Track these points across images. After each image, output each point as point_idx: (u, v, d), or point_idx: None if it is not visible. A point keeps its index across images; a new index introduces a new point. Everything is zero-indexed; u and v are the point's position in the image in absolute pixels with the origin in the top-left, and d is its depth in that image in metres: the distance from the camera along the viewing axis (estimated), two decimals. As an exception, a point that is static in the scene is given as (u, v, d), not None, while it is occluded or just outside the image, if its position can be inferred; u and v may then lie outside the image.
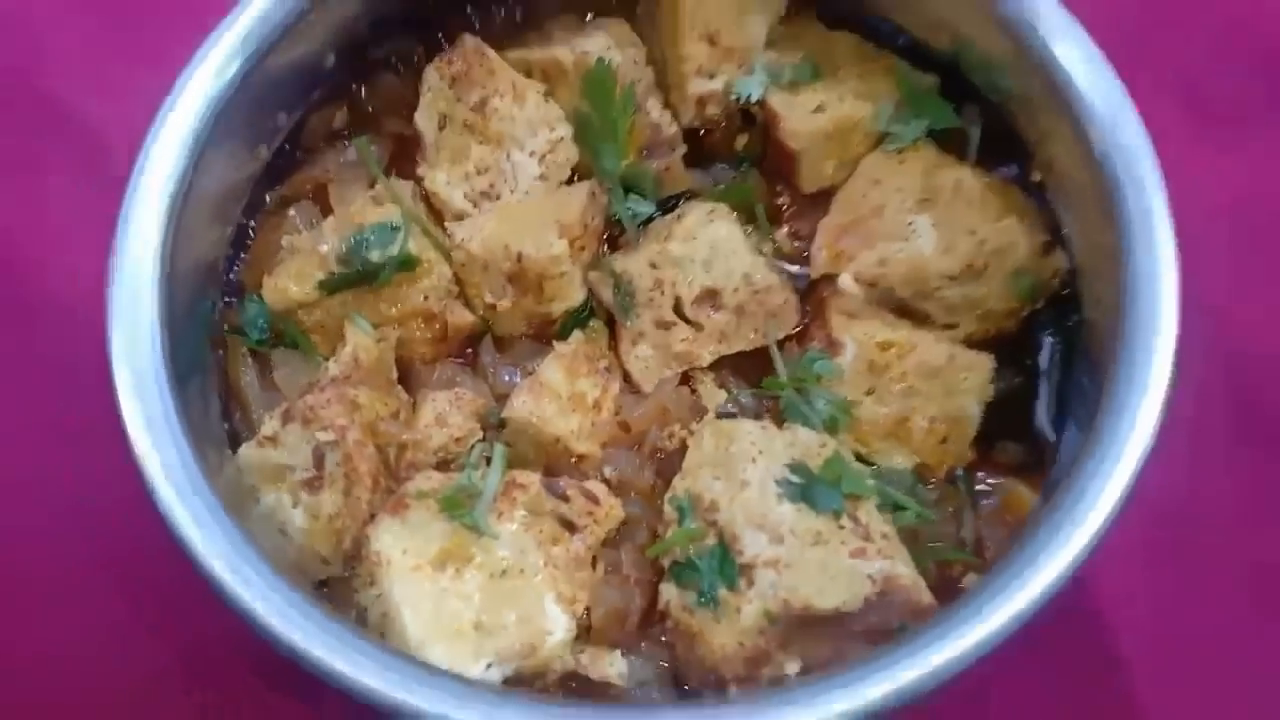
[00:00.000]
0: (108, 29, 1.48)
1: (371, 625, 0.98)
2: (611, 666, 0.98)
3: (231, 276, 1.18)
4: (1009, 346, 1.14)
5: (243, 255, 1.19)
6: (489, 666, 0.93)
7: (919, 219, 1.14)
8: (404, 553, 0.96)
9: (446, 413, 1.05)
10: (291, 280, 1.08)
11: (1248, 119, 1.47)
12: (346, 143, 1.24)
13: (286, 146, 1.22)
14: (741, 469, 0.99)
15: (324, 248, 1.07)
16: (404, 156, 1.25)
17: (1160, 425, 0.95)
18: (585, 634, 1.01)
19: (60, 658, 1.20)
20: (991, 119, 1.19)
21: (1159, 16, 1.53)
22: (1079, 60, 1.04)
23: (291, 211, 1.20)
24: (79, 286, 1.33)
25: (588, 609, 1.00)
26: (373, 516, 1.01)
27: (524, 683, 0.96)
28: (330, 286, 1.08)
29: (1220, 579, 1.23)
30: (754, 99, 1.19)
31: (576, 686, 1.00)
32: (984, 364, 1.10)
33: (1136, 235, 0.99)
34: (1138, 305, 0.98)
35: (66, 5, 1.50)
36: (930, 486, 1.09)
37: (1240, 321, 1.35)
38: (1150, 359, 0.96)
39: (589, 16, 1.29)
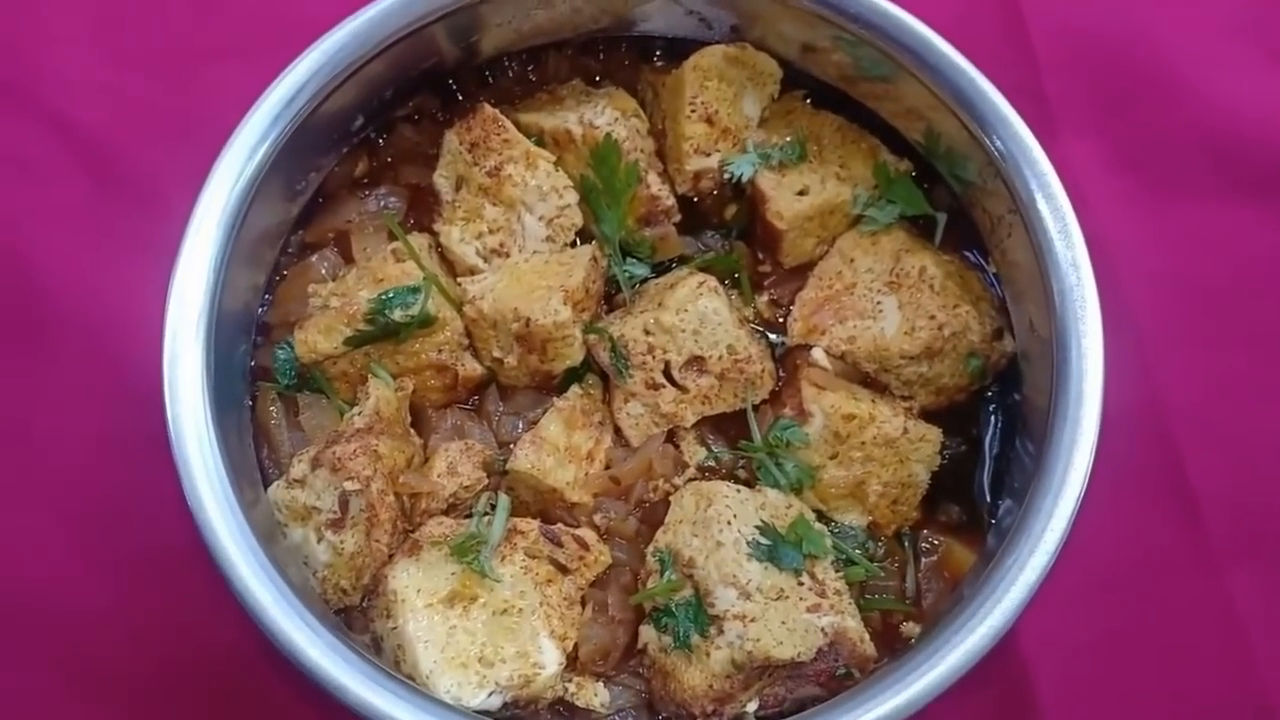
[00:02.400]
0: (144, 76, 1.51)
1: (386, 653, 1.11)
2: (595, 696, 1.12)
3: (258, 317, 1.28)
4: (957, 417, 1.29)
5: (267, 297, 1.29)
6: (491, 695, 1.07)
7: (886, 300, 1.27)
8: (418, 592, 1.10)
9: (457, 462, 1.17)
10: (321, 335, 1.18)
11: (1192, 193, 1.58)
12: (366, 192, 1.34)
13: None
14: (718, 529, 1.12)
15: (352, 308, 1.18)
16: (419, 205, 1.35)
17: (1083, 501, 1.09)
18: (572, 665, 1.15)
19: (92, 654, 1.30)
20: (961, 204, 1.32)
21: (1119, 94, 1.64)
22: (1034, 176, 1.17)
23: (315, 258, 1.30)
24: (104, 305, 1.42)
25: (576, 644, 1.14)
26: (390, 556, 1.14)
27: (519, 708, 1.10)
28: (356, 342, 1.19)
29: (1140, 631, 1.36)
30: (745, 178, 1.30)
31: (564, 711, 1.14)
32: (934, 436, 1.24)
33: (1071, 338, 1.13)
34: (1067, 395, 1.12)
35: (112, 46, 1.53)
36: (880, 543, 1.24)
37: (1174, 384, 1.47)
38: (1075, 445, 1.10)
39: (596, 79, 1.39)
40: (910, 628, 1.19)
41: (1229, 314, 1.52)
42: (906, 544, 1.24)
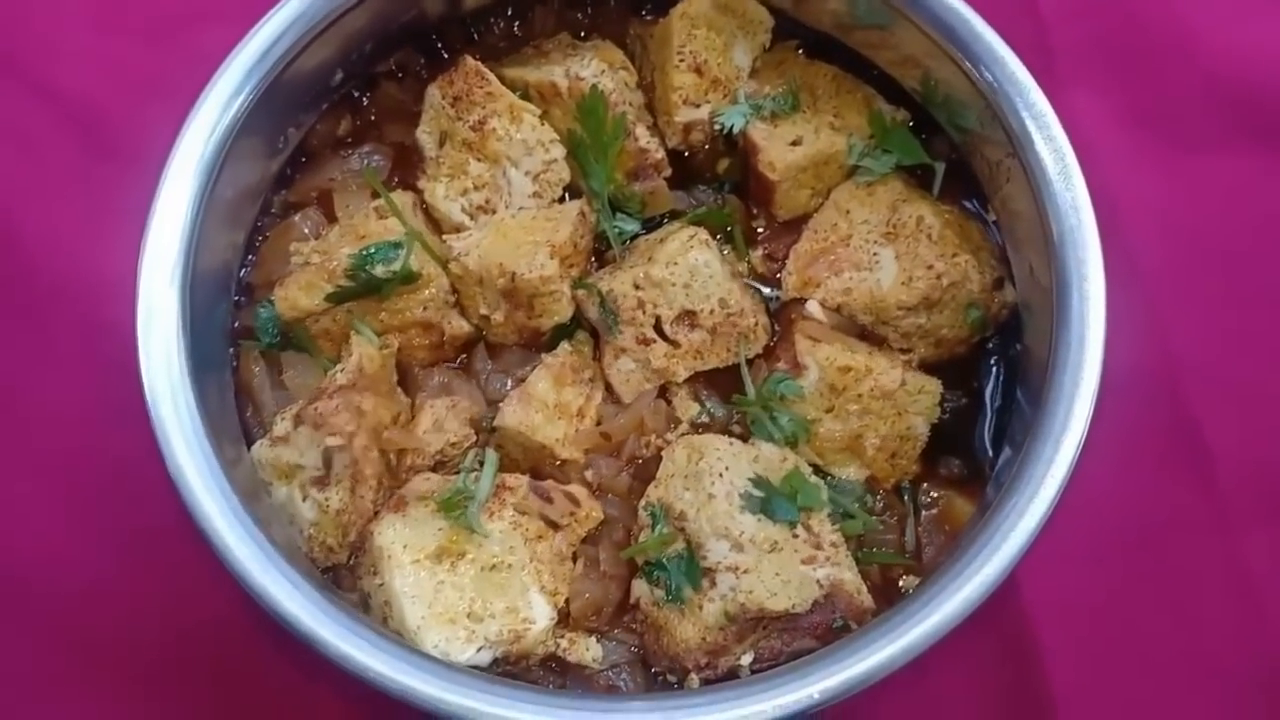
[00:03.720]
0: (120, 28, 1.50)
1: (374, 610, 1.09)
2: (588, 651, 1.10)
3: (240, 277, 1.26)
4: (958, 370, 1.26)
5: (250, 257, 1.27)
6: (480, 650, 1.05)
7: (883, 251, 1.24)
8: (405, 548, 1.07)
9: (444, 419, 1.15)
10: (301, 292, 1.16)
11: (1202, 148, 1.54)
12: (349, 151, 1.32)
13: (293, 153, 1.30)
14: (709, 482, 1.10)
15: (333, 263, 1.15)
16: (404, 164, 1.33)
17: (1082, 449, 1.06)
18: (565, 621, 1.13)
19: (87, 627, 1.29)
20: (960, 154, 1.28)
21: (1125, 47, 1.61)
22: (1032, 117, 1.14)
23: (297, 217, 1.28)
24: (93, 274, 1.41)
25: (567, 599, 1.12)
26: (376, 513, 1.12)
27: (510, 664, 1.09)
28: (337, 298, 1.17)
29: (1150, 592, 1.33)
30: (736, 129, 1.27)
31: (556, 667, 1.12)
32: (933, 388, 1.21)
33: (1072, 283, 1.10)
34: (1068, 342, 1.09)
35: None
36: (879, 496, 1.21)
37: (1188, 343, 1.44)
38: (1076, 391, 1.08)
39: (583, 34, 1.36)
40: (910, 581, 1.16)
41: (1243, 270, 1.49)
42: (906, 498, 1.21)
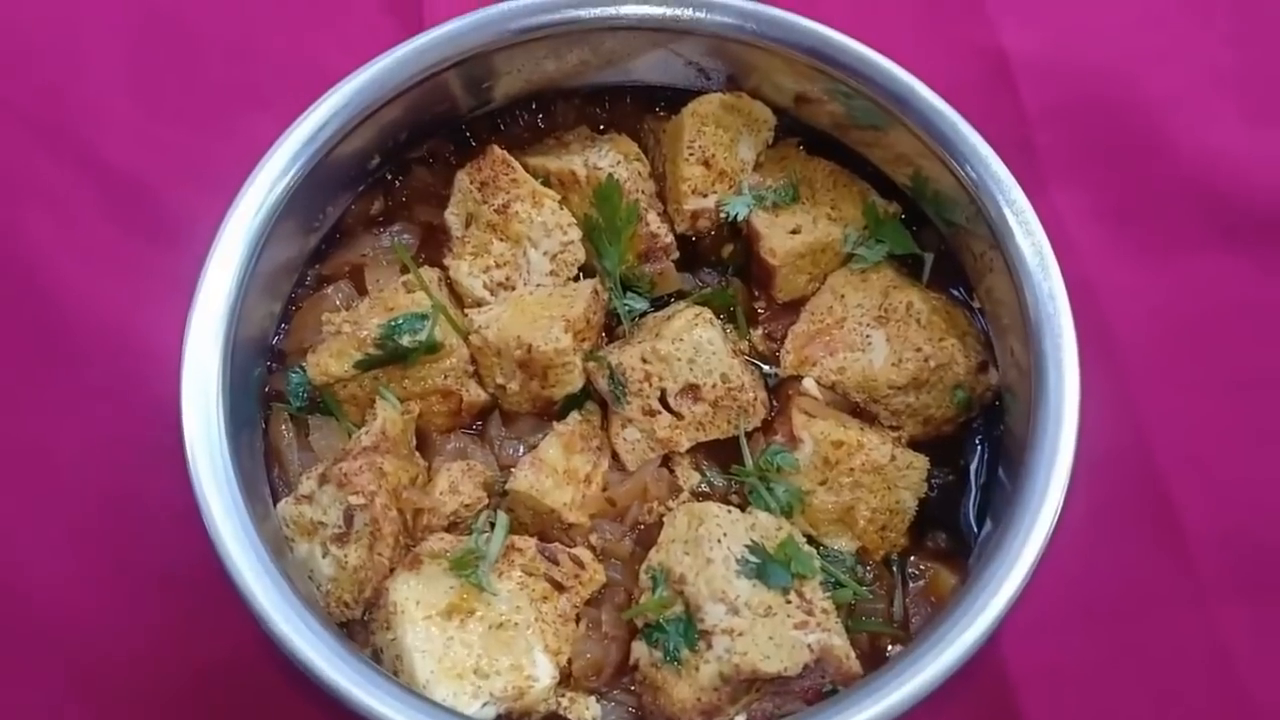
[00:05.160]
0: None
1: (386, 664, 1.14)
2: (587, 710, 1.15)
3: (273, 344, 1.35)
4: (946, 448, 1.32)
5: (283, 325, 1.36)
6: (485, 705, 1.10)
7: (875, 334, 1.32)
8: (418, 604, 1.13)
9: (459, 481, 1.22)
10: (333, 359, 1.25)
11: (1177, 243, 1.62)
12: (381, 229, 1.41)
13: (329, 230, 1.40)
14: (708, 548, 1.16)
15: (363, 333, 1.24)
16: (431, 243, 1.42)
17: (1059, 522, 1.12)
18: (566, 680, 1.17)
19: (106, 663, 1.34)
20: (948, 245, 1.38)
21: (1106, 147, 1.70)
22: (1013, 213, 1.23)
23: (329, 289, 1.36)
24: (127, 334, 1.49)
25: (570, 659, 1.17)
26: (392, 570, 1.18)
27: (513, 720, 1.14)
28: (366, 365, 1.25)
29: (1128, 663, 1.37)
30: (740, 218, 1.37)
31: (557, 725, 1.17)
32: (921, 464, 1.28)
33: (1048, 366, 1.17)
34: (1045, 421, 1.16)
35: (132, 72, 1.63)
36: (869, 567, 1.27)
37: (1157, 422, 1.50)
38: (1052, 467, 1.13)
39: (601, 128, 1.47)
40: (897, 650, 1.21)
41: (1215, 359, 1.56)
42: (895, 569, 1.27)
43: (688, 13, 1.31)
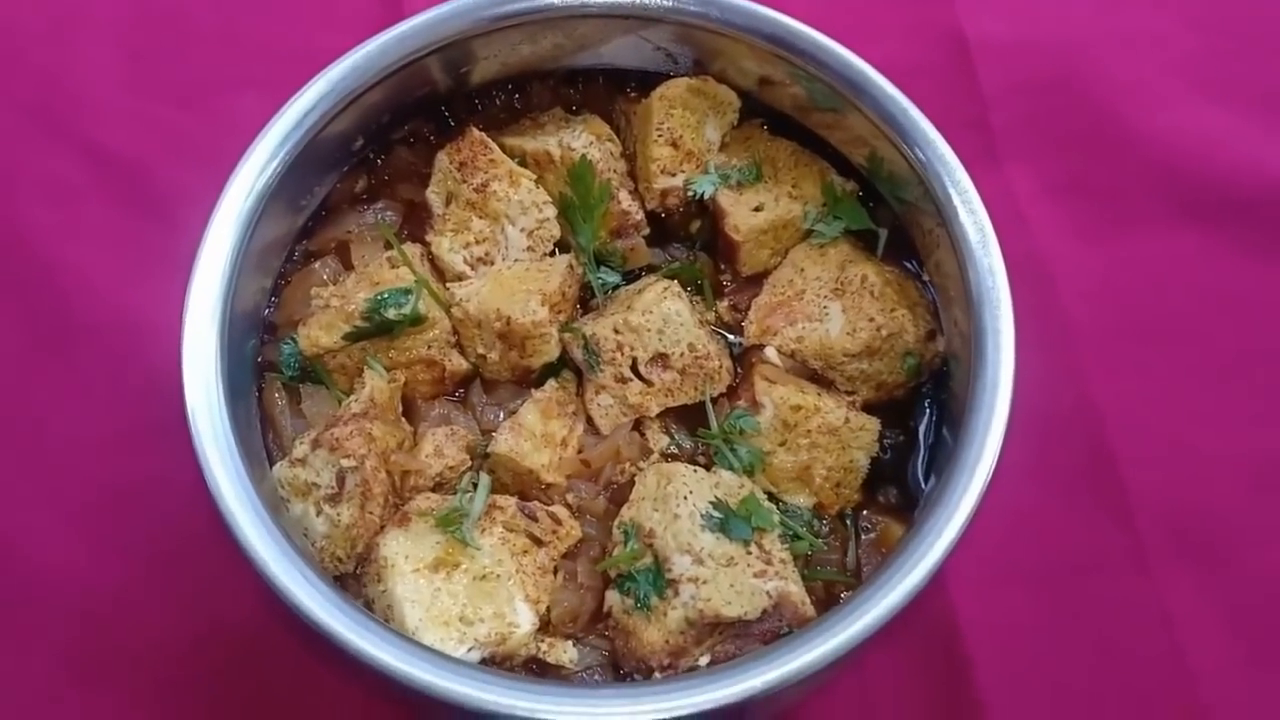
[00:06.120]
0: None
1: (377, 613, 1.22)
2: (565, 654, 1.25)
3: (265, 316, 1.42)
4: (897, 411, 1.42)
5: (273, 299, 1.43)
6: (470, 650, 1.19)
7: (832, 305, 1.41)
8: (406, 558, 1.22)
9: (443, 445, 1.30)
10: (322, 331, 1.32)
11: (1130, 220, 1.71)
12: (365, 207, 1.48)
13: (315, 208, 1.47)
14: (675, 505, 1.25)
15: (350, 307, 1.32)
16: (414, 220, 1.49)
17: (991, 479, 1.20)
18: (545, 627, 1.26)
19: (113, 630, 1.41)
20: (900, 221, 1.46)
21: (1061, 127, 1.78)
22: (958, 193, 1.31)
23: (317, 265, 1.43)
24: (124, 313, 1.56)
25: (548, 608, 1.26)
26: (382, 527, 1.26)
27: (496, 663, 1.22)
28: (353, 337, 1.32)
29: (1066, 611, 1.47)
30: (706, 196, 1.45)
31: (536, 668, 1.26)
32: (873, 426, 1.37)
33: (987, 335, 1.26)
34: (983, 386, 1.24)
35: (128, 58, 1.68)
36: (824, 521, 1.36)
37: (1106, 391, 1.59)
38: (989, 427, 1.21)
39: (574, 109, 1.54)
40: (850, 597, 1.31)
41: (1164, 330, 1.64)
42: (849, 523, 1.36)
43: (653, 0, 1.38)
